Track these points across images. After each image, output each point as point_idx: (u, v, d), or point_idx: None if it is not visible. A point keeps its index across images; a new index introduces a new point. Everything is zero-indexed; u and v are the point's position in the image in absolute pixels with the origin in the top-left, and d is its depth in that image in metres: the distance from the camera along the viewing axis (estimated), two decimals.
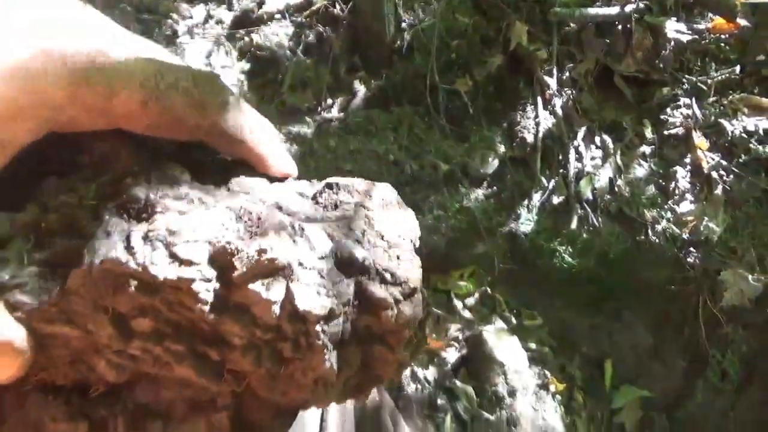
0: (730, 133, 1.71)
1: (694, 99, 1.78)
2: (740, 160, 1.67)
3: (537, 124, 1.73)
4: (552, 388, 1.66)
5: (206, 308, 0.36)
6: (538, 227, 1.66)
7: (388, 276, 0.42)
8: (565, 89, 1.81)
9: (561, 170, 1.71)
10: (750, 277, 1.54)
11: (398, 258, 0.43)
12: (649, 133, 1.78)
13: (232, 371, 0.38)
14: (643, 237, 1.63)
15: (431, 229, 1.66)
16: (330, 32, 1.82)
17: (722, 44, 1.85)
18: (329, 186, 0.48)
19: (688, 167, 1.71)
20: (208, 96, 0.40)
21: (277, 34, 1.84)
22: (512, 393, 1.58)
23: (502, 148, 1.71)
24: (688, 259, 1.60)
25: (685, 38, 1.83)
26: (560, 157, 1.72)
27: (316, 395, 0.40)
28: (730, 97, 1.78)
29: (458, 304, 1.70)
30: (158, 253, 0.36)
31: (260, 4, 1.88)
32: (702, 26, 1.85)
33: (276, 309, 0.36)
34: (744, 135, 1.69)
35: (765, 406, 1.62)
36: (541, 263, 1.66)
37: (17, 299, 0.36)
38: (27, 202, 0.39)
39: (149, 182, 0.41)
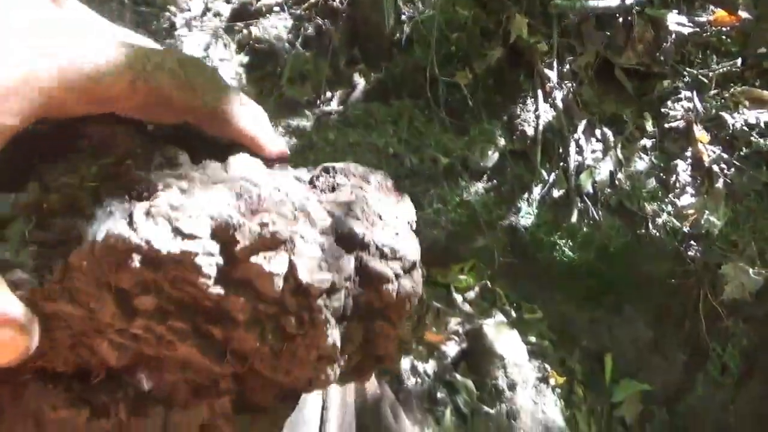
0: (731, 126, 1.70)
1: (695, 92, 1.77)
2: (741, 154, 1.67)
3: (537, 117, 1.73)
4: (552, 381, 1.65)
5: (209, 282, 0.36)
6: (539, 221, 1.65)
7: (387, 251, 0.42)
8: (566, 82, 1.80)
9: (561, 163, 1.70)
10: (751, 270, 1.53)
11: (397, 235, 0.44)
12: (649, 126, 1.77)
13: (234, 351, 0.38)
14: (643, 230, 1.63)
15: (431, 222, 1.65)
16: (329, 25, 1.81)
17: (723, 37, 1.84)
18: (326, 170, 0.48)
19: (689, 160, 1.70)
20: (194, 77, 0.41)
21: (275, 27, 1.83)
22: (512, 386, 1.58)
23: (502, 141, 1.70)
24: (689, 253, 1.60)
25: (686, 31, 1.82)
26: (560, 151, 1.71)
27: (319, 374, 0.40)
28: (732, 89, 1.77)
29: (458, 297, 1.69)
30: (161, 228, 0.36)
31: None
32: (703, 19, 1.84)
33: (279, 282, 0.36)
34: (745, 128, 1.69)
35: (765, 400, 1.62)
36: (541, 257, 1.66)
37: (19, 277, 0.36)
38: (28, 183, 0.39)
39: (150, 163, 0.41)
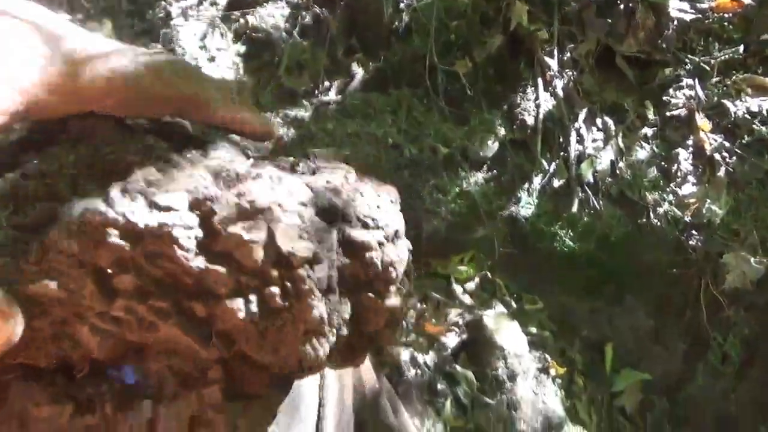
0: (733, 114, 1.68)
1: (696, 80, 1.75)
2: (743, 142, 1.65)
3: (537, 106, 1.71)
4: (552, 371, 1.65)
5: (188, 255, 0.35)
6: (539, 211, 1.64)
7: (369, 221, 0.42)
8: (566, 70, 1.78)
9: (562, 153, 1.69)
10: (752, 259, 1.52)
11: (378, 207, 0.44)
12: (651, 114, 1.76)
13: (220, 333, 0.37)
14: (644, 220, 1.62)
15: (430, 213, 1.64)
16: (327, 13, 1.79)
17: (726, 23, 1.82)
18: (306, 156, 0.48)
19: (691, 149, 1.68)
20: (171, 66, 0.42)
21: (273, 16, 1.81)
22: (512, 377, 1.58)
23: (502, 131, 1.69)
24: (690, 242, 1.59)
25: (688, 17, 1.80)
26: (561, 140, 1.70)
27: (308, 352, 0.39)
28: (734, 77, 1.75)
29: (458, 288, 1.68)
30: (137, 203, 0.36)
31: None
32: (705, 5, 1.82)
33: (258, 250, 0.36)
34: (747, 116, 1.67)
35: (766, 388, 1.62)
36: (541, 247, 1.65)
37: None
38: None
39: (128, 149, 0.40)
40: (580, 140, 1.70)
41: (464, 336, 1.62)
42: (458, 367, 1.57)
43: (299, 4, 1.82)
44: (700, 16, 1.81)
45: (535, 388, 1.62)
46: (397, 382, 1.49)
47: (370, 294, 0.41)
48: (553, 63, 1.76)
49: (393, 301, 0.42)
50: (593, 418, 1.67)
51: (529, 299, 1.74)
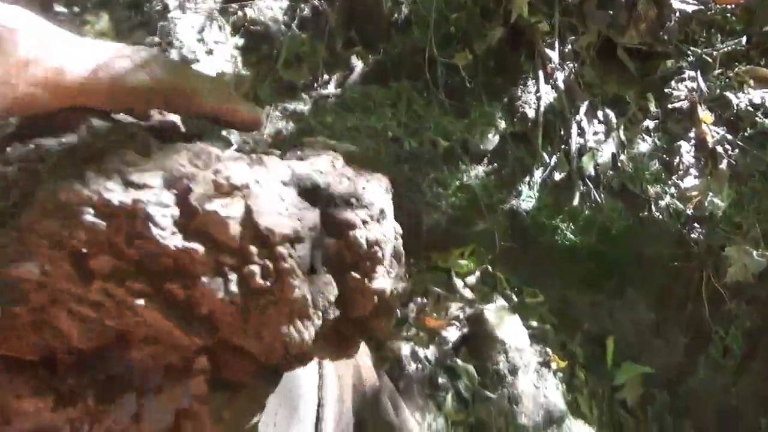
0: (735, 106, 1.67)
1: (698, 71, 1.74)
2: (746, 134, 1.64)
3: (538, 99, 1.70)
4: (553, 365, 1.65)
5: (164, 234, 0.35)
6: (540, 204, 1.63)
7: (353, 200, 0.41)
8: (567, 62, 1.77)
9: (563, 146, 1.68)
10: (755, 252, 1.52)
11: (364, 189, 0.43)
12: (652, 107, 1.74)
13: (202, 319, 0.37)
14: (646, 213, 1.61)
15: (431, 206, 1.63)
16: (325, 5, 1.77)
17: (728, 15, 1.81)
18: (294, 146, 0.48)
19: (693, 141, 1.67)
20: (155, 59, 0.43)
21: (271, 8, 1.80)
22: (513, 371, 1.57)
23: (502, 124, 1.67)
24: (692, 235, 1.58)
25: (690, 9, 1.79)
26: (562, 133, 1.69)
27: (293, 336, 0.38)
28: (736, 69, 1.74)
29: (459, 282, 1.68)
30: (112, 181, 0.36)
31: None
32: None
33: (235, 226, 0.35)
34: (750, 108, 1.66)
35: (767, 381, 1.62)
36: (542, 240, 1.64)
37: None
38: None
39: (109, 138, 0.40)
40: (582, 133, 1.69)
41: (465, 330, 1.62)
42: (459, 361, 1.56)
43: None
44: (702, 7, 1.79)
45: (537, 381, 1.61)
46: (398, 376, 1.49)
47: (356, 274, 0.40)
48: (554, 55, 1.75)
49: (381, 282, 0.41)
50: (594, 411, 1.67)
51: (530, 293, 1.74)
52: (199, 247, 0.36)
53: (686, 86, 1.74)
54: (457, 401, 1.53)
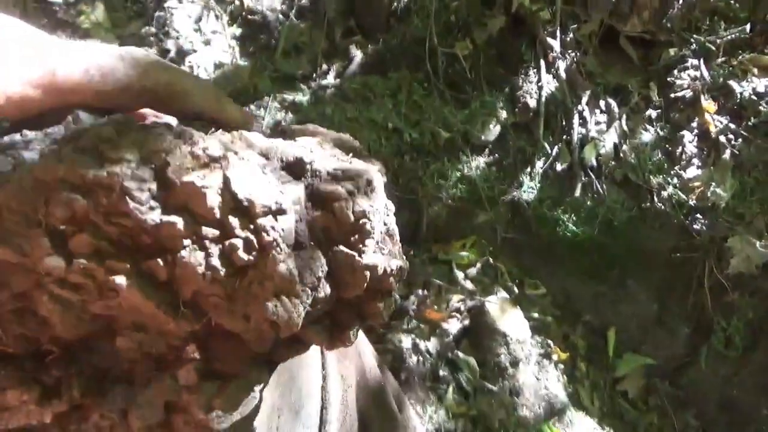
0: (739, 95, 1.65)
1: (702, 60, 1.72)
2: (749, 123, 1.62)
3: (540, 89, 1.68)
4: (555, 357, 1.64)
5: (142, 209, 0.34)
6: (541, 195, 1.62)
7: (339, 173, 0.41)
8: (569, 51, 1.75)
9: (564, 136, 1.66)
10: (758, 243, 1.50)
11: (351, 163, 0.43)
12: (655, 96, 1.73)
13: (188, 304, 0.36)
14: (648, 204, 1.60)
15: (431, 198, 1.62)
16: None
17: (732, 2, 1.78)
18: (283, 131, 0.48)
19: (696, 131, 1.66)
20: (146, 58, 0.44)
21: None
22: (515, 363, 1.57)
23: (503, 114, 1.66)
24: (695, 226, 1.57)
25: None
26: (564, 123, 1.67)
27: (281, 314, 0.37)
28: (740, 57, 1.72)
29: (460, 274, 1.67)
30: (88, 156, 0.35)
31: None
32: None
33: (213, 197, 0.35)
34: (754, 97, 1.64)
35: None
36: (544, 232, 1.63)
37: None
38: None
39: (94, 125, 0.40)
40: (583, 123, 1.67)
41: (466, 322, 1.61)
42: (460, 354, 1.56)
43: None
44: None
45: (538, 373, 1.61)
46: (399, 369, 1.48)
47: (344, 248, 0.39)
48: (555, 44, 1.73)
49: (372, 257, 0.40)
50: (596, 403, 1.67)
51: (532, 284, 1.73)
52: (178, 220, 0.35)
53: (689, 75, 1.72)
54: (458, 394, 1.52)
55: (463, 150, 1.62)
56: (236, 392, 0.40)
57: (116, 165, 0.35)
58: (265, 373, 0.42)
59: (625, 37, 1.77)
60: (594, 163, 1.64)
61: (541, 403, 1.56)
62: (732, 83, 1.68)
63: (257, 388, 0.41)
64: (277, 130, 0.48)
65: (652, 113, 1.71)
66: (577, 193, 1.60)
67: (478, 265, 1.69)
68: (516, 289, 1.70)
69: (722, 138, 1.62)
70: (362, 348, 0.60)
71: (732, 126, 1.64)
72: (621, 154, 1.65)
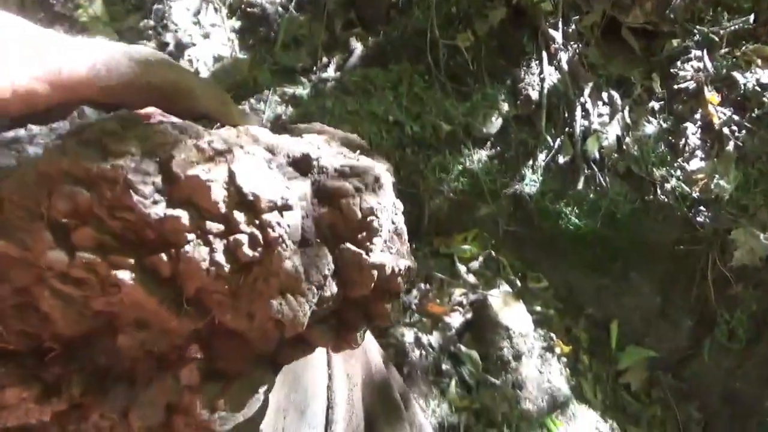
0: (742, 86, 1.64)
1: (705, 51, 1.71)
2: (753, 115, 1.61)
3: (542, 81, 1.67)
4: (557, 350, 1.64)
5: (146, 202, 0.34)
6: (544, 188, 1.61)
7: (347, 170, 0.40)
8: (571, 43, 1.73)
9: (567, 128, 1.65)
10: (761, 235, 1.50)
11: (358, 160, 0.42)
12: (658, 87, 1.71)
13: (191, 301, 0.35)
14: (651, 196, 1.59)
15: (433, 191, 1.61)
16: None
17: None
18: (290, 130, 0.47)
19: (699, 123, 1.65)
20: (153, 55, 0.44)
21: None
22: (517, 356, 1.57)
23: (505, 107, 1.64)
24: (698, 219, 1.56)
25: None
26: (566, 115, 1.66)
27: (286, 313, 0.36)
28: (743, 48, 1.70)
29: (462, 268, 1.66)
30: (91, 149, 0.35)
31: None
32: None
33: (218, 190, 0.34)
34: (757, 88, 1.63)
35: None
36: (546, 225, 1.62)
37: None
38: None
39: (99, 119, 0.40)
40: (586, 115, 1.66)
41: (469, 316, 1.60)
42: (463, 347, 1.55)
43: None
44: None
45: (540, 366, 1.60)
46: (402, 363, 1.48)
47: (351, 246, 0.38)
48: (557, 35, 1.71)
49: (379, 256, 0.39)
50: (598, 395, 1.66)
51: (534, 278, 1.72)
52: (182, 214, 0.34)
53: (692, 66, 1.70)
54: (461, 387, 1.52)
55: (465, 143, 1.61)
56: (240, 392, 0.40)
57: (120, 158, 0.34)
58: (269, 373, 0.42)
59: (628, 28, 1.75)
60: (596, 155, 1.63)
61: (543, 396, 1.56)
62: (735, 74, 1.66)
63: (261, 390, 0.41)
64: (284, 128, 0.47)
65: (655, 105, 1.70)
66: (580, 185, 1.60)
67: (480, 258, 1.68)
68: (518, 283, 1.69)
69: (726, 130, 1.61)
70: (368, 345, 0.60)
71: (735, 117, 1.63)
72: (624, 147, 1.63)
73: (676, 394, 1.69)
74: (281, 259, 0.36)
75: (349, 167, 0.40)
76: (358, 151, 0.45)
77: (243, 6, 1.73)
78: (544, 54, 1.70)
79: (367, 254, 0.39)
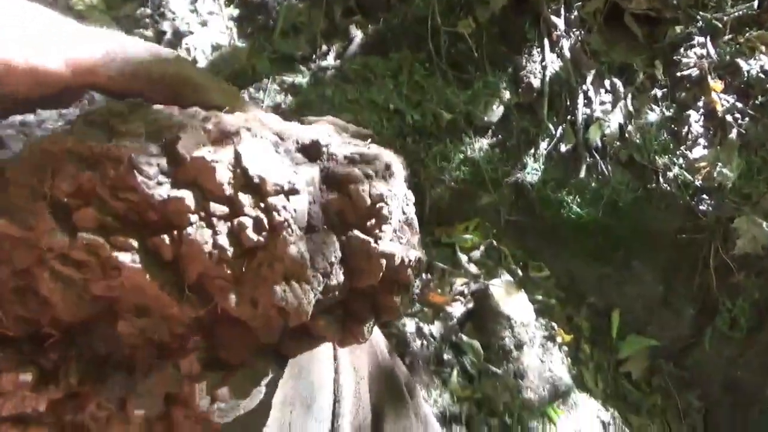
0: (746, 73, 1.63)
1: (708, 37, 1.69)
2: (757, 102, 1.60)
3: (544, 68, 1.65)
4: (559, 339, 1.64)
5: (150, 183, 0.33)
6: (545, 177, 1.60)
7: (356, 157, 0.39)
8: (573, 30, 1.72)
9: (569, 116, 1.64)
10: (764, 223, 1.49)
11: (368, 148, 0.41)
12: (660, 75, 1.70)
13: (193, 287, 0.34)
14: (654, 185, 1.58)
15: (434, 180, 1.60)
16: None
17: None
18: (300, 121, 0.46)
19: (702, 110, 1.63)
20: (164, 50, 0.44)
21: None
22: (519, 346, 1.56)
23: (507, 95, 1.63)
24: (701, 207, 1.55)
25: None
26: (568, 103, 1.65)
27: (290, 300, 0.35)
28: (747, 34, 1.69)
29: (463, 257, 1.65)
30: (97, 129, 0.35)
31: None
32: None
33: (223, 171, 0.33)
34: (761, 75, 1.61)
35: None
36: (548, 214, 1.61)
37: None
38: None
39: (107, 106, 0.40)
40: (588, 103, 1.65)
41: (470, 305, 1.60)
42: (464, 337, 1.55)
43: None
44: None
45: (542, 356, 1.60)
46: (403, 353, 1.48)
47: (360, 234, 0.37)
48: (559, 22, 1.69)
49: (389, 245, 0.38)
50: (600, 384, 1.66)
51: (536, 267, 1.72)
52: (186, 194, 0.33)
53: (695, 53, 1.69)
54: (462, 377, 1.52)
55: (466, 131, 1.60)
56: (242, 382, 0.39)
57: (125, 138, 0.34)
58: (272, 364, 0.41)
59: (630, 14, 1.73)
60: (599, 143, 1.61)
61: (545, 385, 1.56)
62: (739, 61, 1.65)
63: (263, 381, 0.40)
64: (295, 120, 0.47)
65: (658, 92, 1.68)
66: (582, 174, 1.59)
67: (482, 247, 1.68)
68: (520, 272, 1.68)
69: (729, 117, 1.60)
70: (374, 335, 0.59)
71: (739, 105, 1.61)
72: (626, 135, 1.62)
73: (677, 383, 1.69)
74: (286, 244, 0.35)
75: (359, 154, 0.39)
76: (369, 140, 0.44)
77: None
78: (546, 41, 1.68)
79: (375, 242, 0.38)
